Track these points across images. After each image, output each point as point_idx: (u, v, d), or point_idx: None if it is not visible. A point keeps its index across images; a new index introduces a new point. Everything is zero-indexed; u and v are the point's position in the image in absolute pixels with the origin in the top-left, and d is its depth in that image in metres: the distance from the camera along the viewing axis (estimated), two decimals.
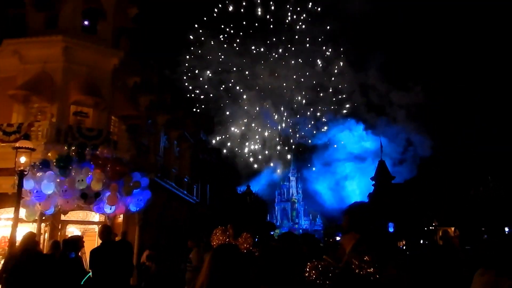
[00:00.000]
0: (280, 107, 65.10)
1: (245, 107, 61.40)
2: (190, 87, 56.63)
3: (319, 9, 63.62)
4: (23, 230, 13.32)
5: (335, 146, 68.05)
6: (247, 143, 63.15)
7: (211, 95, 59.08)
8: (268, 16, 63.13)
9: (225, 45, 59.72)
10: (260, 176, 64.80)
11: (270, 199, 67.73)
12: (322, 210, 75.34)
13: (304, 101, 66.29)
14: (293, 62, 65.36)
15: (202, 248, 9.08)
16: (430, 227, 33.52)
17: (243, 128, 60.90)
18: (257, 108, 62.24)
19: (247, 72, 62.21)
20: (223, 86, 60.46)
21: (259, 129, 63.65)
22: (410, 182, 43.21)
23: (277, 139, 66.73)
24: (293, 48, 64.96)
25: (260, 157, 62.69)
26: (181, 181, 23.42)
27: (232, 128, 60.62)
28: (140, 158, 16.35)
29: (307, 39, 64.46)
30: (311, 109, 67.15)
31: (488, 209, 26.63)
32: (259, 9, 60.54)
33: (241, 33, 60.68)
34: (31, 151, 9.76)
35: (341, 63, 65.21)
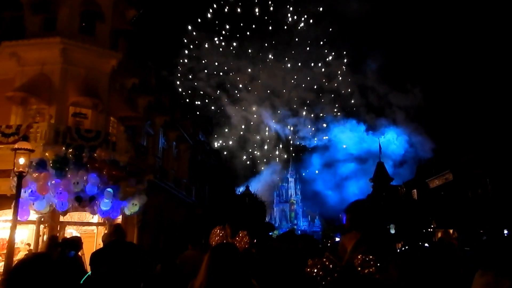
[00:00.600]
0: (279, 108, 65.15)
1: (244, 108, 61.39)
2: (189, 89, 56.63)
3: (320, 8, 63.72)
4: (22, 232, 13.35)
5: (335, 147, 68.05)
6: (245, 144, 63.17)
7: (210, 96, 59.09)
8: (266, 17, 63.24)
9: (223, 47, 59.75)
10: (259, 177, 64.81)
11: (268, 200, 67.71)
12: (321, 211, 75.44)
13: (303, 102, 66.38)
14: (291, 63, 65.48)
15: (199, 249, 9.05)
16: (429, 229, 33.55)
17: (242, 129, 60.87)
18: (256, 109, 62.24)
19: (245, 74, 62.26)
20: (222, 87, 60.46)
21: (258, 131, 63.64)
22: (409, 183, 43.25)
23: (276, 140, 66.72)
24: (292, 51, 65.09)
25: (258, 158, 62.68)
26: (180, 182, 23.41)
27: (231, 129, 60.64)
28: (138, 159, 16.34)
29: (307, 40, 64.57)
30: (310, 110, 67.23)
31: (487, 211, 26.67)
32: (257, 10, 60.59)
33: (238, 35, 60.74)
34: (30, 152, 9.74)
35: (341, 65, 65.34)
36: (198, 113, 47.37)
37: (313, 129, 67.37)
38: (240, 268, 2.16)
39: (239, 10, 60.43)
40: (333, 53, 66.81)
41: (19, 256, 10.93)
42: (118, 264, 2.42)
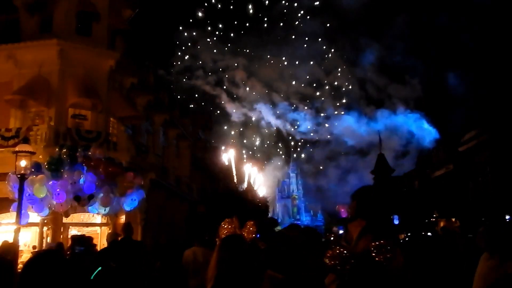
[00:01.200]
0: (278, 103, 65.12)
1: (243, 104, 61.37)
2: (187, 87, 56.57)
3: (315, 3, 63.51)
4: (26, 235, 13.39)
5: (336, 140, 68.03)
6: (245, 141, 63.19)
7: (209, 94, 59.05)
8: (260, 15, 63.07)
9: (219, 44, 59.64)
10: (261, 173, 64.79)
11: (271, 196, 67.77)
12: (323, 206, 75.55)
13: (302, 97, 66.34)
14: (289, 58, 65.39)
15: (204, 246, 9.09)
16: (431, 219, 33.62)
17: (241, 126, 60.84)
18: (255, 105, 62.23)
19: (243, 70, 62.19)
20: (220, 84, 60.40)
21: (258, 127, 63.64)
22: (410, 174, 43.26)
23: (277, 136, 66.74)
24: (289, 46, 64.97)
25: (259, 154, 62.72)
26: (181, 180, 23.44)
27: (231, 126, 60.61)
28: (139, 158, 16.36)
29: (304, 35, 64.45)
30: (310, 105, 67.19)
31: (488, 199, 26.72)
32: (251, 7, 60.37)
33: (233, 32, 60.61)
34: (31, 155, 9.74)
35: (339, 58, 65.26)
36: (197, 110, 47.39)
37: (313, 123, 67.38)
38: (249, 258, 2.19)
39: (231, 7, 60.23)
40: (330, 47, 66.74)
41: (23, 258, 10.96)
42: (127, 261, 2.45)
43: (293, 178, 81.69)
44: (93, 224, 14.84)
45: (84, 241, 8.01)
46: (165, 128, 22.39)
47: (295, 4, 65.35)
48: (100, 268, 2.77)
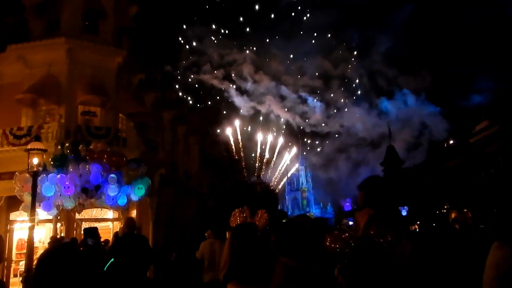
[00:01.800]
0: (287, 97, 64.83)
1: (252, 98, 61.29)
2: (194, 82, 56.61)
3: None
4: (40, 231, 13.62)
5: (347, 132, 67.54)
6: (255, 135, 63.15)
7: (217, 88, 59.07)
8: (267, 9, 62.71)
9: (226, 39, 59.50)
10: (270, 166, 64.77)
11: (280, 189, 67.70)
12: (333, 198, 75.40)
13: (312, 90, 65.94)
14: (297, 51, 64.99)
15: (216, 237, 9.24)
16: (442, 210, 33.42)
17: (250, 119, 60.75)
18: (264, 99, 62.06)
19: (251, 64, 62.03)
20: (228, 79, 60.35)
21: (267, 120, 63.47)
22: (420, 166, 42.94)
23: (286, 128, 66.48)
24: (297, 39, 64.55)
25: (268, 147, 62.62)
26: (191, 175, 23.58)
27: (239, 120, 60.51)
28: (149, 155, 16.49)
29: (312, 27, 63.99)
30: (320, 97, 66.76)
31: (500, 190, 26.46)
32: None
33: (241, 24, 60.39)
34: (43, 152, 9.89)
35: (348, 50, 64.72)
36: (205, 105, 47.44)
37: (323, 115, 66.96)
38: (262, 246, 2.22)
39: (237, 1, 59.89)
40: (339, 38, 66.23)
41: (38, 255, 11.17)
42: (128, 254, 2.52)
43: (302, 171, 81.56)
44: (105, 219, 15.05)
45: (96, 233, 8.27)
46: (173, 124, 22.50)
47: None
48: (112, 260, 2.84)
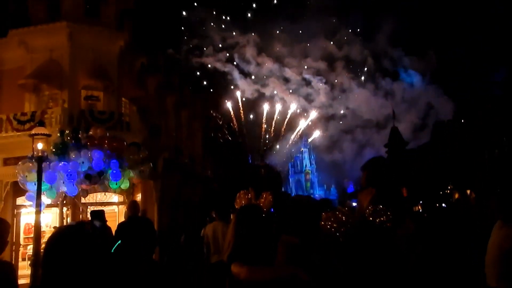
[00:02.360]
0: (292, 79, 64.31)
1: (255, 81, 60.86)
2: (197, 66, 56.24)
3: None
4: (46, 216, 13.78)
5: (352, 114, 67.10)
6: (259, 118, 62.91)
7: (220, 72, 58.66)
8: None
9: (228, 21, 58.81)
10: (274, 148, 64.75)
11: (284, 171, 67.81)
12: (337, 180, 75.50)
13: (316, 72, 65.31)
14: (302, 33, 64.16)
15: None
16: (446, 191, 33.48)
17: (254, 103, 60.48)
18: (268, 82, 61.61)
19: (254, 46, 61.44)
20: (231, 62, 59.87)
21: (272, 103, 63.16)
22: (424, 147, 42.85)
23: (291, 110, 66.14)
24: (302, 21, 63.66)
25: (273, 129, 62.37)
26: (195, 159, 23.66)
27: (243, 101, 60.15)
28: (152, 139, 16.53)
29: (316, 9, 63.03)
30: (325, 79, 66.19)
31: (504, 171, 26.43)
32: None
33: (245, 7, 59.60)
34: (47, 137, 9.91)
35: (353, 32, 63.81)
36: (208, 89, 47.22)
37: (328, 97, 66.47)
38: (264, 225, 2.25)
39: None
40: (343, 20, 65.20)
41: (45, 239, 11.31)
42: (131, 237, 2.55)
43: (306, 153, 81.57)
44: (110, 203, 15.17)
45: (103, 216, 8.42)
46: (176, 108, 22.48)
47: None
48: (119, 242, 2.88)
